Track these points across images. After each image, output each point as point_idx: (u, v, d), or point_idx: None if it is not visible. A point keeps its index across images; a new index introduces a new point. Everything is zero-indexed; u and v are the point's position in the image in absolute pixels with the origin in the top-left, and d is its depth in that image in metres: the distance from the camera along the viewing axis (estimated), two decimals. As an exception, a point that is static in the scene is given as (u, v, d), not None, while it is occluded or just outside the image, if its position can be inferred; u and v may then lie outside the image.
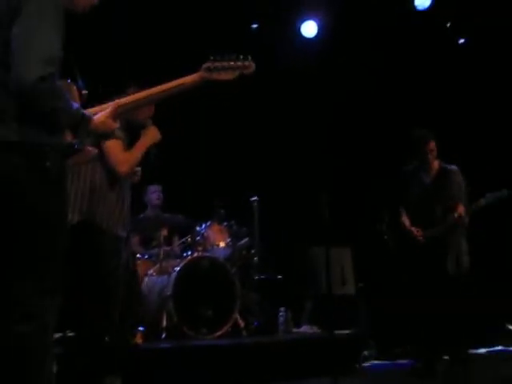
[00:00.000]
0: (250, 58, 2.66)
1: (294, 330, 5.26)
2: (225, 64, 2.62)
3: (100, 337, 2.89)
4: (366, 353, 5.44)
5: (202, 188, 6.02)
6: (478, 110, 6.76)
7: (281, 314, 5.06)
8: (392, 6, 6.57)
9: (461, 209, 4.13)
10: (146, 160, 3.13)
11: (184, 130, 6.06)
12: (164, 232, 5.45)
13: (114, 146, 2.96)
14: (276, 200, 6.23)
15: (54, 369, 2.16)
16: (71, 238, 2.25)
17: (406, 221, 4.37)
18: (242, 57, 2.64)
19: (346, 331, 5.04)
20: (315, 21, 6.99)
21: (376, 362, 5.23)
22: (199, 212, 5.50)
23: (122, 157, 2.98)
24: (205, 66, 2.61)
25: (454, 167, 4.42)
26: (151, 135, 3.09)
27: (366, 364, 5.08)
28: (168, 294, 4.70)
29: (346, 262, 5.98)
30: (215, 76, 2.61)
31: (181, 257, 5.27)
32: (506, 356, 5.66)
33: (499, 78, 6.66)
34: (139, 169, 3.16)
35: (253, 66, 2.66)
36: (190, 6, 5.99)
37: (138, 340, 3.93)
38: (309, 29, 7.07)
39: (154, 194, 5.60)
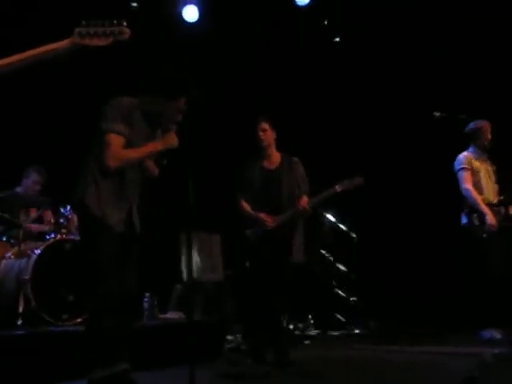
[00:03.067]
0: (124, 23, 2.57)
1: (160, 315, 5.22)
2: (98, 29, 2.52)
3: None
4: (231, 338, 5.53)
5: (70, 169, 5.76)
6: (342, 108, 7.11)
7: (146, 299, 4.99)
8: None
9: (305, 200, 4.28)
10: (158, 162, 3.27)
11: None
12: (33, 213, 5.25)
13: (112, 140, 3.03)
14: (147, 184, 6.12)
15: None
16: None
17: (246, 206, 4.44)
18: (115, 22, 2.55)
19: (212, 317, 5.09)
20: (196, 5, 6.94)
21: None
22: (64, 193, 5.27)
23: (114, 152, 3.02)
24: (77, 30, 2.52)
25: (295, 158, 4.51)
26: (167, 141, 3.18)
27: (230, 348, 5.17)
28: (26, 277, 4.48)
29: (215, 248, 6.04)
30: (87, 41, 2.53)
31: (43, 239, 5.03)
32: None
33: (369, 78, 7.01)
34: (149, 166, 3.24)
35: (127, 31, 2.56)
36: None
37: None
38: (190, 13, 7.01)
39: (33, 183, 5.34)
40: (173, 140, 3.19)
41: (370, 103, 7.01)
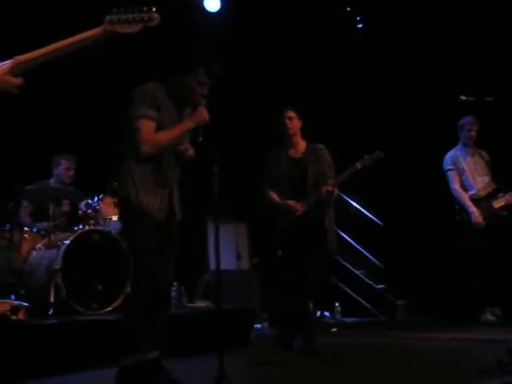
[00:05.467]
0: (154, 9, 2.59)
1: (188, 304, 5.27)
2: (128, 16, 2.55)
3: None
4: (258, 326, 5.57)
5: (95, 160, 5.82)
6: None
7: (173, 288, 5.03)
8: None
9: (330, 184, 4.30)
10: (193, 140, 3.18)
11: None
12: (65, 205, 5.33)
13: (142, 125, 3.01)
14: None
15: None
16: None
17: (274, 196, 4.46)
18: (145, 9, 2.58)
19: (239, 305, 5.11)
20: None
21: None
22: (92, 184, 5.35)
23: (147, 137, 2.99)
24: (108, 18, 2.55)
25: (320, 145, 4.53)
26: (197, 117, 3.11)
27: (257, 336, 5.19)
28: (56, 267, 4.55)
29: (241, 237, 6.07)
30: (118, 29, 2.55)
31: (72, 231, 5.10)
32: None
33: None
34: (183, 147, 3.17)
35: (157, 17, 2.59)
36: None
37: (21, 317, 3.77)
38: (212, 3, 7.00)
39: (66, 169, 5.45)
40: (203, 115, 3.12)
41: (397, 88, 6.93)
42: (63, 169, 5.44)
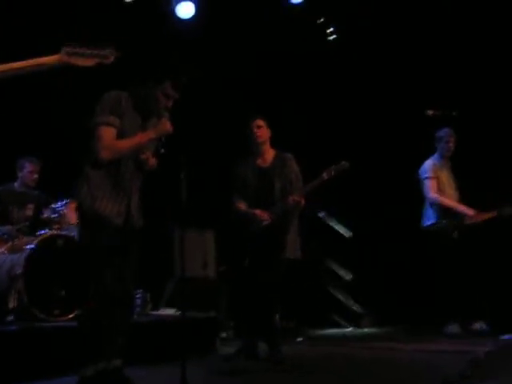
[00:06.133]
0: (111, 47, 2.64)
1: (152, 312, 5.21)
2: (85, 50, 2.60)
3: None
4: (223, 335, 5.54)
5: (61, 164, 5.73)
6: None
7: (138, 295, 4.97)
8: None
9: (297, 196, 4.28)
10: (155, 151, 3.23)
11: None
12: (29, 210, 5.24)
13: (102, 132, 3.03)
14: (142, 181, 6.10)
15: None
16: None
17: (242, 205, 4.46)
18: (103, 45, 2.61)
19: (204, 313, 5.08)
20: (192, 2, 6.90)
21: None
22: (57, 189, 5.26)
23: (107, 143, 3.01)
24: (64, 49, 2.59)
25: (289, 154, 4.53)
26: (160, 128, 3.13)
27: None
28: (18, 272, 4.44)
29: (208, 245, 6.04)
30: (74, 61, 2.61)
31: (35, 235, 5.00)
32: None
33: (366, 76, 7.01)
34: (145, 157, 3.16)
35: (112, 57, 2.62)
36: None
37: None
38: (185, 10, 6.97)
39: (30, 172, 5.34)
40: (166, 127, 3.14)
41: (363, 101, 7.01)
42: (27, 172, 5.34)
